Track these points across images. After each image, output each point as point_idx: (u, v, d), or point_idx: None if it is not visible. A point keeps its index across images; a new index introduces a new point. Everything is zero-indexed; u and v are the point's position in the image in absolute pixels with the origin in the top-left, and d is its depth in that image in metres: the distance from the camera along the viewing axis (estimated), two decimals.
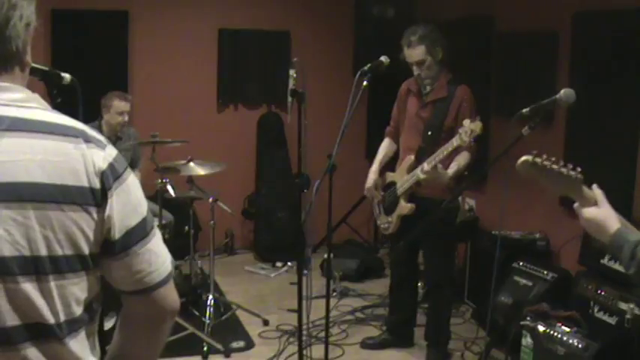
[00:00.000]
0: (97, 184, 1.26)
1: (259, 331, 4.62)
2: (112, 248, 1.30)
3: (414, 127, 4.12)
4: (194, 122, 6.09)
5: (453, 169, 3.87)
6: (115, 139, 5.03)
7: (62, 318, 1.27)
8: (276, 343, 4.44)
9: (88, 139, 1.28)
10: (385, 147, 4.35)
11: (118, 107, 4.88)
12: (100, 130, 4.95)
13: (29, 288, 1.23)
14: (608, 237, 1.82)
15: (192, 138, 5.07)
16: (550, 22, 4.70)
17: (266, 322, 4.72)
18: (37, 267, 1.23)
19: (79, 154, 1.25)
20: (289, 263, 6.01)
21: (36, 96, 1.31)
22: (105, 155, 1.29)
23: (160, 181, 4.42)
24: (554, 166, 1.84)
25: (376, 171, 4.27)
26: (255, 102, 6.39)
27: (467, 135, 3.58)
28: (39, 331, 1.25)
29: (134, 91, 5.83)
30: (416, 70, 3.99)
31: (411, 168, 4.02)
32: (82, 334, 1.32)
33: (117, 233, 1.29)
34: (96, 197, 1.26)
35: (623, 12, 4.04)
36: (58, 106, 2.20)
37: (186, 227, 4.95)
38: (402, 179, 4.07)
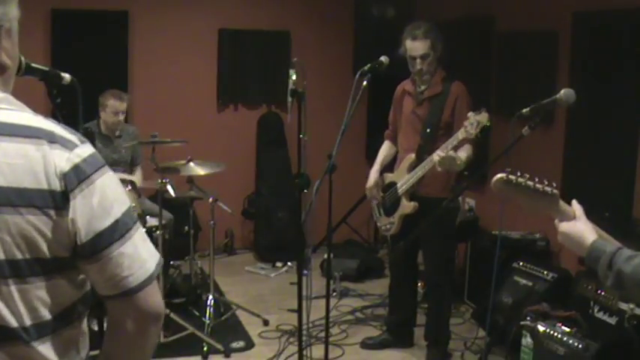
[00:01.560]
0: (57, 187, 1.23)
1: (259, 331, 4.62)
2: (82, 252, 1.26)
3: (410, 125, 4.11)
4: (194, 122, 6.09)
5: (463, 154, 3.82)
6: (113, 137, 5.03)
7: (28, 322, 1.25)
8: (276, 343, 4.44)
9: (53, 140, 1.25)
10: (385, 149, 4.35)
11: (113, 107, 4.88)
12: (98, 128, 4.95)
13: None
14: (585, 249, 1.81)
15: (192, 138, 5.07)
16: (550, 22, 4.70)
17: (266, 322, 4.72)
18: None
19: (39, 156, 1.22)
20: (289, 263, 6.01)
21: (6, 96, 1.30)
22: (70, 156, 1.25)
23: (159, 181, 4.42)
24: (529, 183, 1.82)
25: (377, 171, 4.27)
26: (255, 102, 6.39)
27: (473, 127, 3.57)
28: (3, 334, 1.24)
29: (134, 91, 5.83)
30: (419, 64, 3.97)
31: (412, 166, 4.01)
32: (57, 339, 1.29)
33: (83, 237, 1.25)
34: (56, 200, 1.23)
35: (623, 12, 4.04)
36: (58, 106, 2.20)
37: (186, 227, 4.95)
38: (402, 179, 4.07)
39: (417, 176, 3.96)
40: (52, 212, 1.23)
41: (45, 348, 1.28)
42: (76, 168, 1.25)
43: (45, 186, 1.22)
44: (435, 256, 4.18)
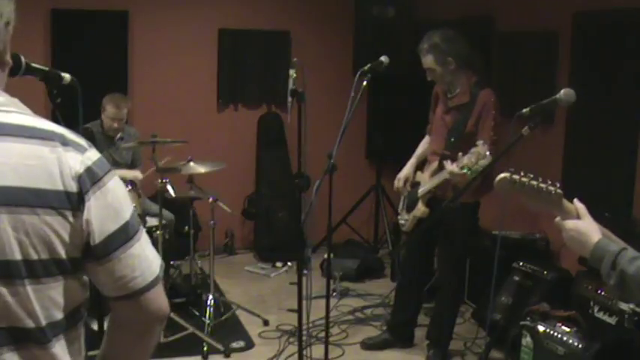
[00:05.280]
0: (73, 188, 1.24)
1: (259, 331, 4.62)
2: (94, 253, 1.28)
3: (438, 131, 4.11)
4: (194, 122, 6.09)
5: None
6: (115, 138, 5.03)
7: (43, 322, 1.26)
8: (276, 343, 4.44)
9: (66, 143, 1.26)
10: (424, 143, 4.35)
11: (110, 113, 4.90)
12: (101, 128, 4.96)
13: (4, 292, 1.22)
14: (589, 248, 1.81)
15: (192, 138, 5.07)
16: (550, 22, 4.70)
17: (266, 322, 4.72)
18: (11, 271, 1.22)
19: (54, 158, 1.24)
20: (289, 263, 6.00)
21: (15, 100, 1.31)
22: (83, 159, 1.27)
23: (160, 181, 4.42)
24: (533, 182, 1.83)
25: (412, 165, 4.28)
26: (255, 102, 6.39)
27: (474, 156, 3.49)
28: (17, 336, 1.24)
29: (134, 91, 5.83)
30: (428, 76, 3.99)
31: (435, 173, 4.00)
32: (67, 339, 1.31)
33: (97, 238, 1.27)
34: (72, 201, 1.24)
35: (623, 12, 4.04)
36: (58, 106, 2.21)
37: (186, 227, 4.95)
38: (424, 183, 4.08)
39: (433, 184, 3.96)
40: (67, 213, 1.24)
41: (58, 348, 1.29)
42: (89, 170, 1.27)
43: (61, 187, 1.24)
44: (447, 258, 4.18)
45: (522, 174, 1.84)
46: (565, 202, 1.87)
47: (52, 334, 1.28)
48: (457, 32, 3.99)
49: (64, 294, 1.28)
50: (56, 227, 1.23)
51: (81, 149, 1.28)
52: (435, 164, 4.04)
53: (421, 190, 4.08)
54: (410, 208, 4.21)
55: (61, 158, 1.24)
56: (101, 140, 4.87)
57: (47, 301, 1.26)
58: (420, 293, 4.47)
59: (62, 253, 1.25)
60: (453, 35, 3.95)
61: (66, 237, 1.25)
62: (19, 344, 1.25)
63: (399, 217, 4.36)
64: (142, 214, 4.45)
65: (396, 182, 4.31)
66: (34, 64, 2.09)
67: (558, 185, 1.84)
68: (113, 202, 1.29)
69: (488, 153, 3.50)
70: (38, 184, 1.22)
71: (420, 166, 4.31)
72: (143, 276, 1.32)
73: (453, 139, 3.97)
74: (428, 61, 3.92)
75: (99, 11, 5.75)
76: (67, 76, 2.28)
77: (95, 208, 1.26)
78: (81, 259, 1.28)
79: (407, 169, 4.28)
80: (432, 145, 4.17)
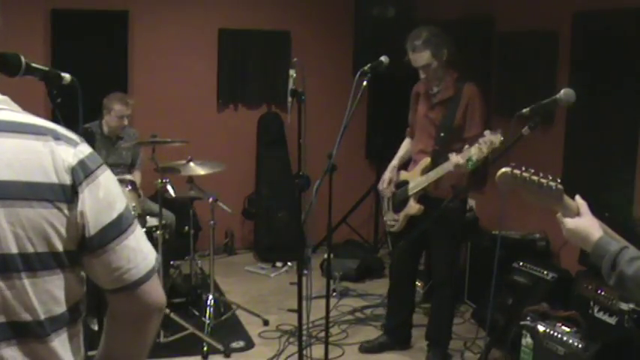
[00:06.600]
0: (66, 181, 1.25)
1: (259, 331, 4.62)
2: (89, 245, 1.29)
3: (424, 129, 4.09)
4: (194, 122, 6.09)
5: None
6: (115, 139, 5.04)
7: (42, 316, 1.26)
8: (276, 343, 4.44)
9: (57, 137, 1.28)
10: (406, 145, 4.34)
11: (118, 111, 4.89)
12: (100, 129, 4.96)
13: (2, 286, 1.23)
14: (590, 246, 1.81)
15: (192, 138, 5.07)
16: (550, 22, 4.70)
17: (266, 322, 4.72)
18: (7, 265, 1.22)
19: (47, 152, 1.25)
20: (289, 263, 6.01)
21: (6, 98, 1.32)
22: (75, 152, 1.28)
23: (160, 181, 4.42)
24: (534, 178, 1.83)
25: (395, 166, 4.27)
26: (255, 102, 6.39)
27: (486, 146, 3.53)
28: (17, 330, 1.25)
29: (134, 91, 5.83)
30: (422, 74, 3.96)
31: (426, 170, 3.99)
32: (67, 335, 1.32)
33: (91, 230, 1.28)
34: (66, 193, 1.25)
35: (623, 12, 4.04)
36: (58, 106, 2.20)
37: (186, 227, 4.95)
38: (415, 180, 4.07)
39: (430, 179, 3.94)
40: (62, 205, 1.25)
41: (58, 343, 1.30)
42: (81, 163, 1.28)
43: (55, 180, 1.25)
44: (444, 256, 4.17)
45: (523, 169, 1.84)
46: (566, 198, 1.86)
47: (51, 328, 1.28)
48: (440, 28, 4.00)
49: (62, 288, 1.29)
50: (52, 220, 1.24)
51: (73, 143, 1.29)
52: (425, 162, 4.02)
53: (413, 187, 4.07)
54: (398, 207, 4.19)
55: (53, 152, 1.25)
56: (100, 141, 4.87)
57: (45, 295, 1.26)
58: (412, 292, 4.47)
59: (59, 246, 1.26)
60: (439, 30, 3.97)
61: (62, 230, 1.26)
62: (19, 339, 1.25)
63: (385, 218, 4.34)
64: (142, 214, 4.45)
65: (380, 184, 4.30)
66: (34, 64, 2.09)
67: (559, 181, 1.84)
68: (106, 195, 1.30)
69: (502, 138, 3.48)
70: (32, 177, 1.23)
71: (403, 167, 4.30)
72: (138, 268, 1.33)
73: (442, 134, 3.98)
74: (425, 56, 3.90)
75: (99, 11, 5.75)
76: (67, 76, 2.28)
77: (89, 200, 1.27)
78: (77, 252, 1.29)
79: (390, 171, 4.27)
80: (418, 144, 4.14)
